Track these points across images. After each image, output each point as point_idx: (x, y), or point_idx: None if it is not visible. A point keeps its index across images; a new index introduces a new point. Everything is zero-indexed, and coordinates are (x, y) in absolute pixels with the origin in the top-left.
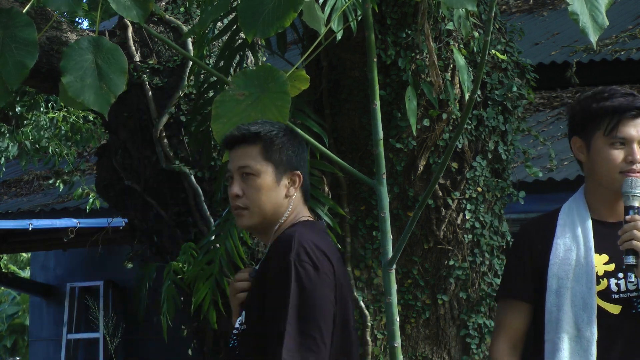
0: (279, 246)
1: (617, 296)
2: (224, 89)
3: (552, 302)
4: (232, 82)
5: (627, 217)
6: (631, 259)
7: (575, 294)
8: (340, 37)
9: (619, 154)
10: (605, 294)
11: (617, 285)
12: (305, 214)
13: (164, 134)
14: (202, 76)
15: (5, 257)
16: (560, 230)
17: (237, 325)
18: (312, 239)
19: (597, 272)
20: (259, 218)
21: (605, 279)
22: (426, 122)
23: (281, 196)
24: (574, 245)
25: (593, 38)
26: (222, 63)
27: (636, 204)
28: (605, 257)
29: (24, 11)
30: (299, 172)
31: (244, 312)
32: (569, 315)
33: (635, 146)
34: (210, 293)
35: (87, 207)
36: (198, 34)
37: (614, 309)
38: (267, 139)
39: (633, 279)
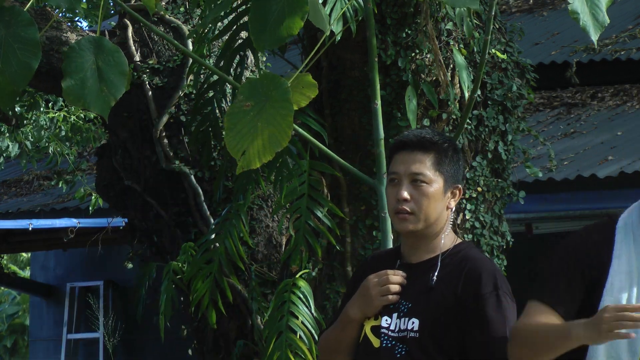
0: (478, 270)
1: None
2: (223, 89)
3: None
4: (239, 93)
5: None
6: None
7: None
8: (339, 38)
9: None
10: None
11: None
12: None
13: (164, 134)
14: (202, 76)
15: (5, 257)
16: (617, 263)
17: (392, 328)
18: (499, 268)
19: None
20: (423, 225)
21: None
22: (426, 122)
23: (444, 207)
24: (627, 284)
25: (594, 36)
26: (222, 63)
27: None
28: None
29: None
30: (460, 186)
31: (415, 319)
32: (617, 341)
33: None
34: (209, 292)
35: (90, 208)
36: (199, 33)
37: None
38: (442, 149)
39: None
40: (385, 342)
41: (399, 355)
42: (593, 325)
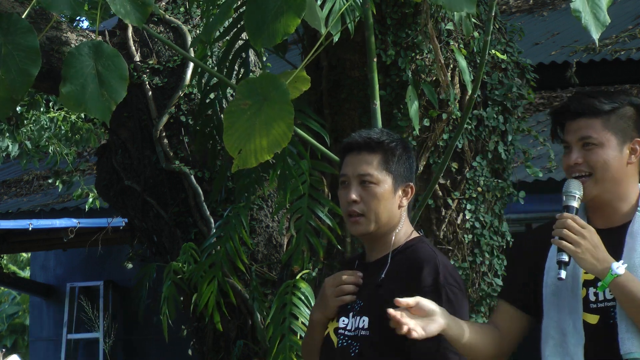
0: (420, 264)
1: (595, 305)
2: (225, 91)
3: (543, 308)
4: (237, 92)
5: (557, 215)
6: (565, 257)
7: (561, 301)
8: (338, 39)
9: None
10: (584, 303)
11: (596, 294)
12: (411, 227)
13: (164, 134)
14: (204, 78)
15: (5, 257)
16: (552, 249)
17: (349, 327)
18: (446, 260)
19: None
20: (375, 226)
21: (584, 287)
22: (426, 122)
23: (395, 206)
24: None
25: (595, 35)
26: (224, 64)
27: (573, 204)
28: None
29: (24, 14)
30: (411, 184)
31: (365, 317)
32: (554, 320)
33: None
34: (213, 296)
35: (87, 207)
36: (206, 41)
37: (592, 318)
38: (389, 149)
39: None
40: (341, 341)
41: (353, 354)
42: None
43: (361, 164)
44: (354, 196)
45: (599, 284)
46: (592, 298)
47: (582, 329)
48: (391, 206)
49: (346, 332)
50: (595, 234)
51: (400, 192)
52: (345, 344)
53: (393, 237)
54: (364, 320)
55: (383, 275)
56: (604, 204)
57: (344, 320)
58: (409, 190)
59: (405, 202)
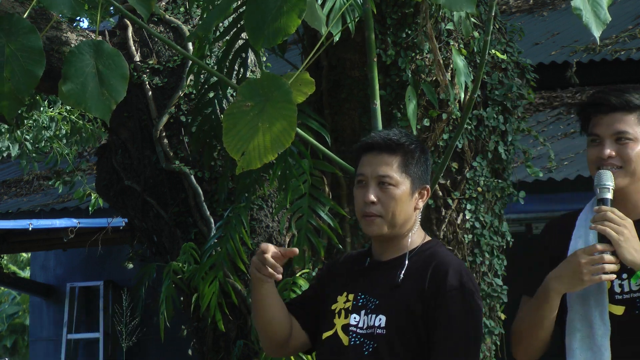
0: (445, 268)
1: (620, 297)
2: (225, 90)
3: (567, 302)
4: (238, 93)
5: (595, 208)
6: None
7: (587, 293)
8: (338, 38)
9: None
10: (609, 295)
11: (621, 285)
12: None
13: (164, 134)
14: (202, 76)
15: (5, 257)
16: (574, 243)
17: (360, 325)
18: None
19: None
20: (390, 227)
21: None
22: (426, 122)
23: (412, 208)
24: (585, 244)
25: (596, 33)
26: (224, 63)
27: (608, 196)
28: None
29: (25, 14)
30: (427, 186)
31: (382, 316)
32: (580, 313)
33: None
34: (215, 297)
35: (90, 208)
36: (201, 37)
37: (618, 309)
38: (408, 151)
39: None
40: (353, 339)
41: (366, 353)
42: (572, 274)
43: (381, 164)
44: (372, 197)
45: (626, 275)
46: (617, 289)
47: (609, 320)
48: (408, 208)
49: (358, 330)
50: (632, 225)
51: (416, 195)
52: (357, 342)
53: (410, 239)
54: (380, 319)
55: (402, 276)
56: (629, 195)
57: (355, 318)
58: (425, 192)
59: (421, 204)
